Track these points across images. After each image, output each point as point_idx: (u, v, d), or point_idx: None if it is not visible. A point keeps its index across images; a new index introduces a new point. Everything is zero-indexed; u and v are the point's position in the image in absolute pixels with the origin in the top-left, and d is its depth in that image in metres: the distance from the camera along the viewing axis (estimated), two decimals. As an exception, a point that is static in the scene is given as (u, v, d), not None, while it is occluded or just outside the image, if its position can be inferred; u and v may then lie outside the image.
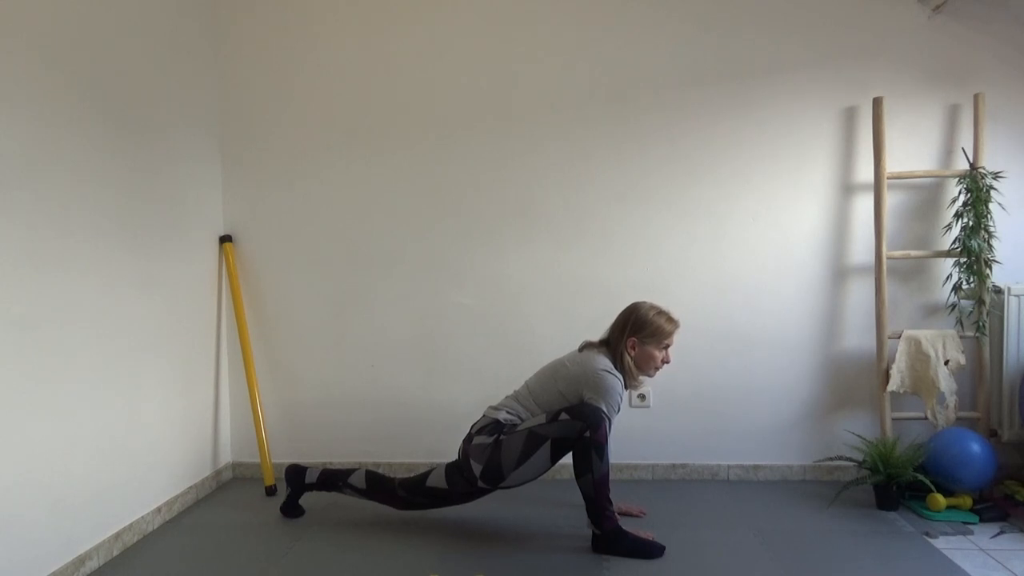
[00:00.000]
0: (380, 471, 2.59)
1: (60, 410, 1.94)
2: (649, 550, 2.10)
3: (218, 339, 2.86)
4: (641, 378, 2.24)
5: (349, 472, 2.36)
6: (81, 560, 2.01)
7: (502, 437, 2.13)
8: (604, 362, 2.17)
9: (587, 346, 2.30)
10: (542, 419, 2.12)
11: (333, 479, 2.37)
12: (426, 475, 2.28)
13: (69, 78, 2.00)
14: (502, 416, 2.20)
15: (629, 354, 2.19)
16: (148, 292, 2.36)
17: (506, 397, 2.30)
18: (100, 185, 2.12)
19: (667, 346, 2.23)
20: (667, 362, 2.24)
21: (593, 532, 2.14)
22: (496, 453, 2.11)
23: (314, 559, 2.12)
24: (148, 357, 2.36)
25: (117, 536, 2.17)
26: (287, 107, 2.86)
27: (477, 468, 2.14)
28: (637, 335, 2.19)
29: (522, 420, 2.20)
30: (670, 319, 2.22)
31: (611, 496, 2.12)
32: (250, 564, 2.09)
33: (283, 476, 2.48)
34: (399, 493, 2.28)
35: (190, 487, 2.61)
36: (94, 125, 2.10)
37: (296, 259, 2.89)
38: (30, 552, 1.83)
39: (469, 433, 2.24)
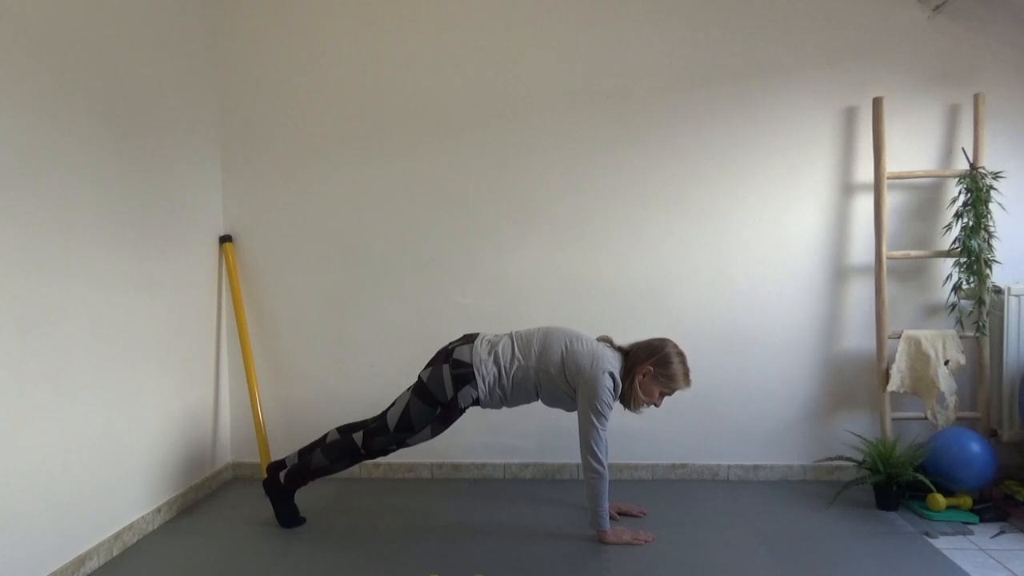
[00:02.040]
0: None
1: (60, 410, 1.94)
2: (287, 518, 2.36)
3: (218, 339, 2.86)
4: (637, 404, 2.23)
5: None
6: (81, 560, 2.01)
7: (439, 412, 2.21)
8: (612, 363, 2.18)
9: (606, 341, 2.30)
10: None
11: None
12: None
13: (69, 78, 2.00)
14: (479, 368, 2.19)
15: (639, 377, 2.20)
16: (148, 292, 2.36)
17: (508, 341, 2.26)
18: (100, 185, 2.12)
19: (667, 394, 2.25)
20: (657, 405, 2.26)
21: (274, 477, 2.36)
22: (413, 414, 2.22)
23: (314, 559, 2.12)
24: (148, 357, 2.36)
25: (117, 536, 2.17)
26: (287, 107, 2.86)
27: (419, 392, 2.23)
28: (655, 368, 2.20)
29: (496, 392, 2.21)
30: (687, 376, 2.24)
31: (611, 497, 2.13)
32: (250, 564, 2.09)
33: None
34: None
35: (190, 487, 2.60)
36: (94, 125, 2.10)
37: (296, 259, 2.89)
38: (30, 552, 1.83)
39: (449, 351, 2.25)
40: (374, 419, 2.32)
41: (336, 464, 2.30)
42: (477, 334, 2.31)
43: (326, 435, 2.40)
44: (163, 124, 2.47)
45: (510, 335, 2.29)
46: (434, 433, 2.26)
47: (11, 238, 1.77)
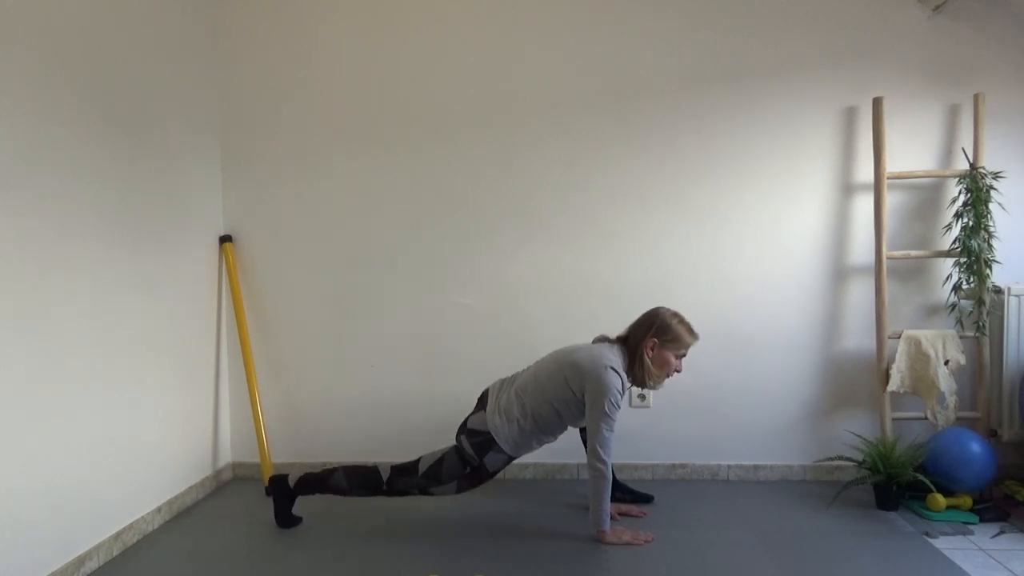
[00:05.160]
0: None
1: (60, 410, 1.94)
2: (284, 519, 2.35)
3: (218, 339, 2.86)
4: (658, 379, 2.25)
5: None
6: (81, 560, 2.01)
7: (468, 472, 2.22)
8: (612, 359, 2.18)
9: (602, 340, 2.32)
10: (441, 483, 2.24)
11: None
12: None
13: (69, 78, 2.00)
14: (498, 433, 2.19)
15: (647, 354, 2.21)
16: (148, 292, 2.36)
17: (511, 391, 2.26)
18: (100, 185, 2.12)
19: (682, 355, 2.26)
20: (678, 371, 2.26)
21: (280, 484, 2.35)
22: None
23: (314, 559, 2.12)
24: (148, 357, 2.36)
25: (117, 536, 2.17)
26: (288, 107, 2.86)
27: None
28: (658, 337, 2.21)
29: (526, 440, 2.22)
30: (691, 331, 2.26)
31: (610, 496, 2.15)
32: (250, 564, 2.09)
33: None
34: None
35: (190, 487, 2.60)
36: (94, 125, 2.10)
37: (296, 259, 2.89)
38: (30, 552, 1.83)
39: (464, 421, 2.27)
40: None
41: (354, 491, 2.27)
42: (488, 393, 2.31)
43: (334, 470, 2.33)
44: (163, 124, 2.47)
45: (513, 386, 2.27)
46: (459, 490, 2.24)
47: (11, 238, 1.77)
